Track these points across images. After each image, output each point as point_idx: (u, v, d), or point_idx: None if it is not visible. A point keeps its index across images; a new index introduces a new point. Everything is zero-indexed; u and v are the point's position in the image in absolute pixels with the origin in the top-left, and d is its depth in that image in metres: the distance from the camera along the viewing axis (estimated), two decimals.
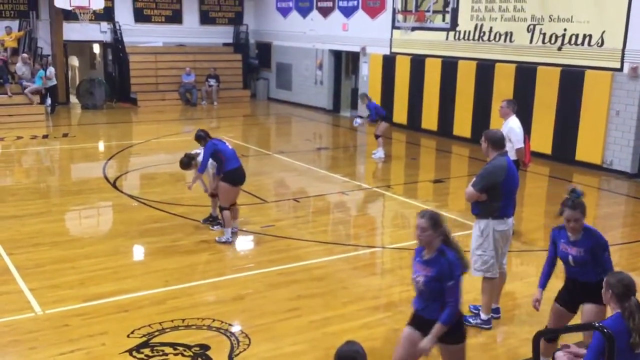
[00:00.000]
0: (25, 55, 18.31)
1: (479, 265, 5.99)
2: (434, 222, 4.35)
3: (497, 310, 6.32)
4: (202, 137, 8.41)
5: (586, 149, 13.17)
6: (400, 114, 17.63)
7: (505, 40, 14.82)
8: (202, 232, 8.73)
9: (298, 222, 9.51)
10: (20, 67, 18.00)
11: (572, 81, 13.28)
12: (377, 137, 13.70)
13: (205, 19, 23.27)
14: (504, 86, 14.54)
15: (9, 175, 12.37)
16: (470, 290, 6.81)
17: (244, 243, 8.55)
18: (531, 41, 14.22)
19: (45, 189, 11.47)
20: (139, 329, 5.92)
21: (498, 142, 5.89)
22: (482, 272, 6.01)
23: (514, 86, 14.39)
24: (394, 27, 17.81)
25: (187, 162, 8.58)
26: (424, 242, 4.38)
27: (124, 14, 21.59)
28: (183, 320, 6.14)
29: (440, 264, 4.31)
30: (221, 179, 8.23)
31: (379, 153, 13.72)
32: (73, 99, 21.29)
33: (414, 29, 17.12)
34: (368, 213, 10.53)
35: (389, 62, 17.88)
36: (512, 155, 7.86)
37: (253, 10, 23.95)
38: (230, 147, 8.35)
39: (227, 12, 23.68)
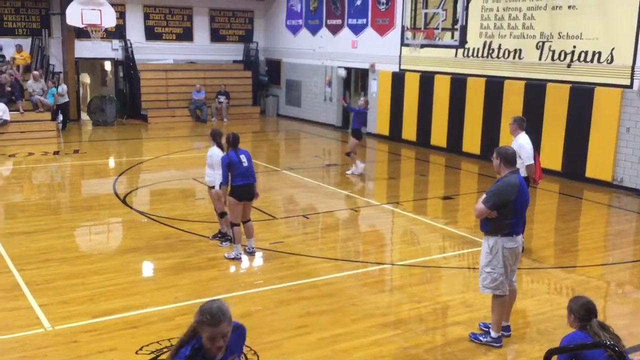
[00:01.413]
0: (36, 72, 18.52)
1: (488, 282, 5.96)
2: None
3: (507, 328, 6.27)
4: (212, 136, 8.60)
5: (596, 166, 13.11)
6: (409, 131, 17.65)
7: (514, 57, 14.84)
8: (211, 249, 8.74)
9: (307, 239, 9.50)
10: (31, 84, 18.21)
11: (581, 98, 13.26)
12: (348, 154, 13.71)
13: (216, 36, 23.47)
14: (513, 103, 14.54)
15: (20, 192, 12.45)
16: (480, 307, 6.79)
17: (253, 259, 8.54)
18: (540, 58, 14.23)
19: (56, 205, 11.53)
20: (148, 345, 5.92)
21: (510, 159, 5.89)
22: (491, 289, 5.97)
23: (524, 103, 14.38)
24: (403, 44, 17.88)
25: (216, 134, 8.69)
26: None
27: (135, 32, 21.82)
28: None
29: None
30: (229, 194, 8.26)
31: (355, 169, 13.70)
32: (84, 115, 21.47)
33: (422, 46, 17.19)
34: (377, 229, 10.51)
35: (398, 79, 17.94)
36: (523, 172, 7.86)
37: (263, 27, 24.14)
38: (246, 162, 8.24)
39: (238, 29, 23.88)
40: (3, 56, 19.40)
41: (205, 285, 7.58)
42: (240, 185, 8.18)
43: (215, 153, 8.52)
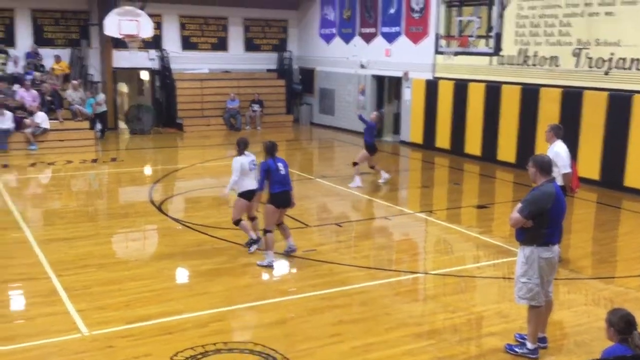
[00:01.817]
0: (76, 82, 18.94)
1: (523, 293, 5.87)
2: None
3: (543, 340, 6.17)
4: (238, 145, 8.70)
5: (635, 175, 12.83)
6: (443, 139, 17.54)
7: (550, 65, 14.65)
8: (245, 256, 8.80)
9: (340, 247, 9.49)
10: (71, 94, 18.63)
11: (619, 106, 13.01)
12: (354, 164, 13.49)
13: (250, 46, 23.71)
14: (549, 111, 14.34)
15: (59, 199, 12.71)
16: (516, 318, 6.70)
17: (286, 267, 8.57)
18: (577, 65, 14.02)
19: (93, 212, 11.74)
20: (182, 351, 5.97)
21: (546, 167, 5.81)
22: (527, 300, 5.89)
23: (560, 111, 14.17)
24: (436, 52, 17.81)
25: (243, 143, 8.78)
26: None
27: (171, 42, 22.18)
28: (225, 343, 6.17)
29: None
30: (267, 201, 8.33)
31: (382, 178, 13.63)
32: (122, 124, 21.85)
33: (457, 53, 17.09)
34: (410, 238, 10.46)
35: (431, 87, 17.85)
36: (559, 181, 7.74)
37: (297, 36, 24.30)
38: (283, 170, 8.35)
39: (272, 39, 24.08)
40: (43, 66, 19.89)
41: (238, 292, 7.63)
42: (278, 192, 8.27)
43: (234, 159, 8.66)
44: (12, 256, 8.76)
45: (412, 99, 18.69)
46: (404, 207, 12.06)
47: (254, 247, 8.82)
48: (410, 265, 8.89)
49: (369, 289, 7.73)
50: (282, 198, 8.32)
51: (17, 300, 7.46)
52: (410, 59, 18.71)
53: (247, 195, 8.65)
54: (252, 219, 9.00)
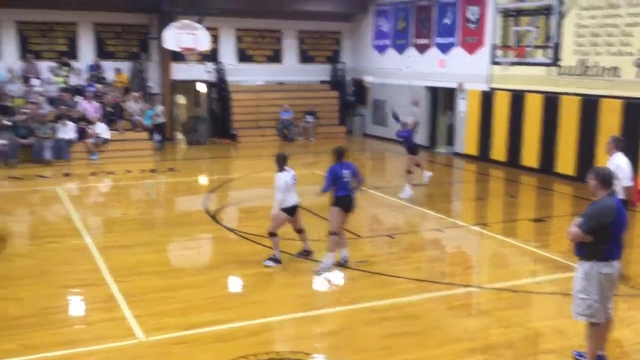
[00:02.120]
0: (135, 94, 19.50)
1: (582, 309, 5.71)
2: None
3: (602, 358, 5.97)
4: (278, 161, 8.71)
5: None
6: (498, 151, 17.25)
7: (611, 75, 14.25)
8: (297, 266, 8.84)
9: (392, 259, 9.44)
10: (131, 105, 19.19)
11: None
12: (408, 172, 13.25)
13: (304, 57, 23.93)
14: (610, 122, 13.94)
15: (118, 207, 13.07)
16: (574, 335, 6.51)
17: (338, 278, 8.57)
18: (638, 76, 13.59)
19: (151, 221, 12.02)
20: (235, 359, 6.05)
21: (607, 180, 5.66)
22: (586, 317, 5.72)
23: (621, 122, 13.76)
24: (492, 62, 17.57)
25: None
26: None
27: (228, 55, 22.58)
28: (277, 352, 6.21)
29: None
30: (332, 204, 8.58)
31: (424, 177, 13.33)
32: (179, 135, 22.32)
33: (513, 64, 16.82)
34: (464, 251, 10.31)
35: (487, 98, 17.61)
36: (620, 194, 7.51)
37: (350, 48, 24.38)
38: (348, 176, 8.54)
39: (325, 50, 24.25)
40: (104, 78, 20.56)
41: (290, 301, 7.67)
42: (344, 196, 8.54)
43: (277, 176, 8.69)
44: (72, 262, 9.05)
45: (467, 110, 18.48)
46: (457, 219, 11.91)
47: (270, 262, 8.83)
48: (464, 278, 8.76)
49: (420, 302, 7.66)
50: (348, 201, 8.59)
51: (77, 306, 7.69)
52: (465, 69, 18.52)
53: (290, 210, 8.74)
54: (300, 230, 9.07)
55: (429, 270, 9.00)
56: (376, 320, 7.09)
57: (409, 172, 13.28)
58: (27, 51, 19.91)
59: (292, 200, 8.74)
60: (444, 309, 7.49)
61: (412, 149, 13.19)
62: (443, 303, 7.68)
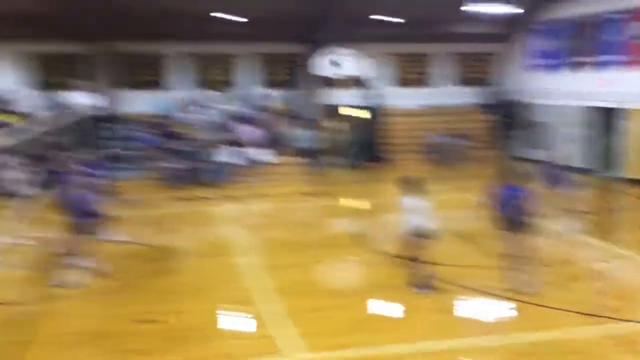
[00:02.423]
0: (292, 120, 20.45)
1: None
2: None
3: None
4: (406, 185, 8.85)
5: None
6: None
7: None
8: (450, 291, 8.74)
9: (549, 289, 9.00)
10: (288, 131, 20.13)
11: None
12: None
13: (458, 80, 23.73)
14: None
15: (278, 228, 13.65)
16: None
17: (489, 307, 8.35)
18: None
19: (308, 242, 12.41)
20: None
21: None
22: None
23: None
24: None
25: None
26: None
27: (381, 79, 22.96)
28: None
29: None
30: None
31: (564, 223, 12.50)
32: (335, 159, 22.88)
33: None
34: (631, 283, 9.59)
35: None
36: None
37: (506, 69, 23.78)
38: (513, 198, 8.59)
39: (480, 72, 23.90)
40: (265, 105, 21.79)
41: (440, 328, 7.61)
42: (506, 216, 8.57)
43: (405, 200, 8.76)
44: (229, 280, 9.63)
45: (630, 130, 17.23)
46: (624, 249, 11.11)
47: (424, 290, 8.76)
48: (631, 313, 8.15)
49: (581, 336, 7.25)
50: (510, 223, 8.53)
51: (232, 321, 8.17)
52: (629, 88, 17.33)
53: (420, 233, 8.64)
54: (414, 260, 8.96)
55: (591, 303, 8.47)
56: (533, 353, 6.81)
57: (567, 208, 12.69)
58: (194, 81, 21.78)
59: (420, 223, 8.65)
60: (610, 345, 7.04)
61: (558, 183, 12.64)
62: (607, 338, 7.22)
